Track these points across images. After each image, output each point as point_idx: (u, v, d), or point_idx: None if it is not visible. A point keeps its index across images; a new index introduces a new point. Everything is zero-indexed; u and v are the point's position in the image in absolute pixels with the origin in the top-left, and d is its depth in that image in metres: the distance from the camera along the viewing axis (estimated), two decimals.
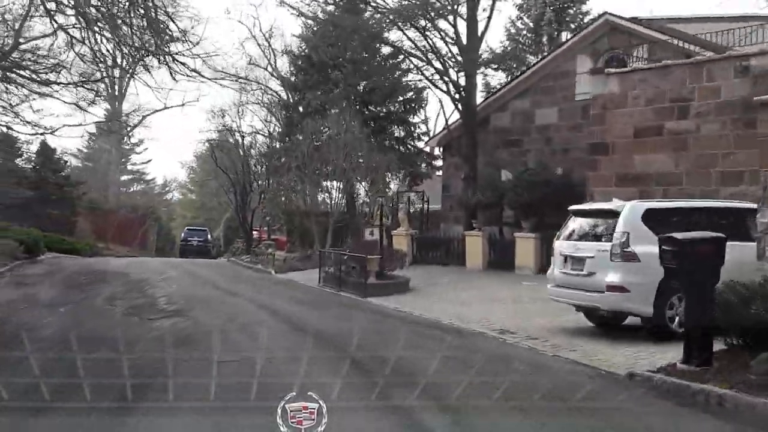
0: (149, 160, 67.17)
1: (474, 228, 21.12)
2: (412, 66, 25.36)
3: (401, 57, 26.64)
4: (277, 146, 30.55)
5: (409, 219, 23.60)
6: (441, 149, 24.50)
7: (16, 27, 23.37)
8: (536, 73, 21.40)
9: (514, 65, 25.97)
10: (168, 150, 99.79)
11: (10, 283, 17.16)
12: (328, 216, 25.87)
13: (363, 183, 26.76)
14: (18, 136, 39.05)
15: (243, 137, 32.76)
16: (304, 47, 29.03)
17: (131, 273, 21.07)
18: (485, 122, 22.74)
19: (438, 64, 21.44)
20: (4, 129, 38.41)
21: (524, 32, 32.62)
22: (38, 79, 24.20)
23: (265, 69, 38.86)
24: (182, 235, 42.13)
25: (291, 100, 29.39)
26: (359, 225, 25.41)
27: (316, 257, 23.52)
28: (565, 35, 29.43)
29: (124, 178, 67.23)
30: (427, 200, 26.14)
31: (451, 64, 21.39)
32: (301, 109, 28.55)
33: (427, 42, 21.38)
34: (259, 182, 31.97)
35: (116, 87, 56.70)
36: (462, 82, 21.67)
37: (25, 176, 37.81)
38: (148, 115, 59.50)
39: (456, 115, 23.38)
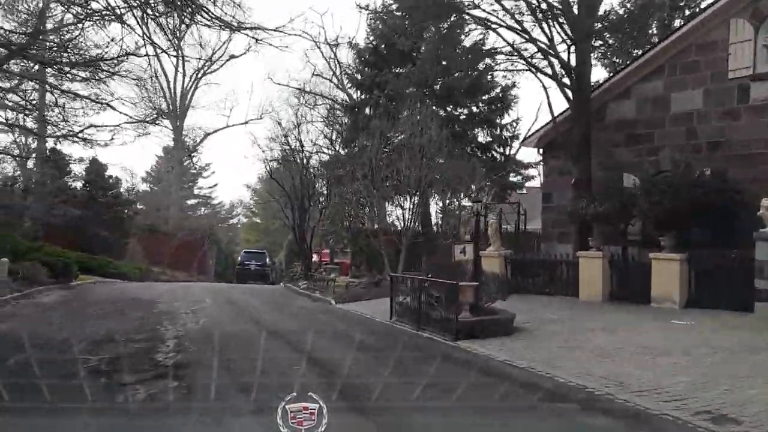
0: (215, 185, 65.01)
1: (591, 248, 16.29)
2: (501, 49, 20.75)
3: (487, 44, 22.14)
4: (341, 152, 26.51)
5: (501, 237, 18.91)
6: (541, 151, 19.75)
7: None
8: (672, 46, 16.51)
9: (635, 34, 20.81)
10: (235, 173, 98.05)
11: None
12: (400, 235, 21.48)
13: (440, 195, 22.30)
14: (68, 152, 36.99)
15: (302, 146, 28.87)
16: (371, 39, 25.01)
17: (162, 302, 17.21)
18: (600, 114, 17.96)
19: (543, 39, 16.78)
20: (53, 143, 36.38)
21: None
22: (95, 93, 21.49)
23: (330, 80, 35.38)
24: (239, 258, 38.56)
25: (356, 100, 25.30)
26: (438, 245, 20.92)
27: (385, 284, 19.28)
28: None
29: (190, 202, 65.12)
30: (524, 213, 21.38)
31: (560, 38, 16.73)
32: (368, 110, 24.44)
33: (530, 9, 16.77)
34: (320, 198, 27.98)
35: (177, 105, 54.57)
36: (572, 62, 16.96)
37: (73, 194, 35.09)
38: (211, 133, 57.51)
39: (559, 107, 18.72)
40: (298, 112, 30.84)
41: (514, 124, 24.56)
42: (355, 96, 25.89)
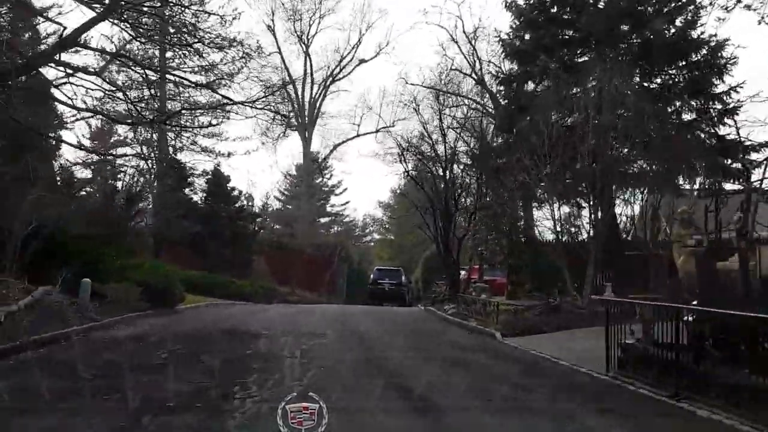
0: (347, 202, 61.37)
1: None
2: None
3: None
4: (496, 141, 21.10)
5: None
6: None
7: None
8: None
9: None
10: (366, 187, 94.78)
11: (45, 359, 9.27)
12: (585, 245, 15.72)
13: (638, 189, 16.32)
14: (189, 163, 34.33)
15: (444, 135, 23.72)
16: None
17: (268, 334, 12.64)
18: None
19: None
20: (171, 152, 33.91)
21: None
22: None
23: (469, 75, 30.26)
24: (371, 276, 33.93)
25: (513, 73, 19.80)
26: (639, 257, 14.98)
27: (567, 309, 13.77)
28: None
29: (323, 220, 62.09)
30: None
31: None
32: (529, 85, 18.94)
33: None
34: (468, 200, 22.64)
35: (305, 115, 51.58)
36: None
37: (194, 208, 32.07)
38: (340, 144, 53.99)
39: None
40: (438, 104, 25.74)
41: (733, 93, 18.06)
42: (511, 69, 20.31)
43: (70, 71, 16.09)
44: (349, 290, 46.60)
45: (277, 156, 49.59)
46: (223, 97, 19.25)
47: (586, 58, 18.34)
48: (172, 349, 10.29)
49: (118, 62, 19.37)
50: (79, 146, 24.47)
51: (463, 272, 28.64)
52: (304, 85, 50.53)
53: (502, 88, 20.59)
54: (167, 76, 21.62)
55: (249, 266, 33.12)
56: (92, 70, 16.86)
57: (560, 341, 12.08)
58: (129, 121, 20.36)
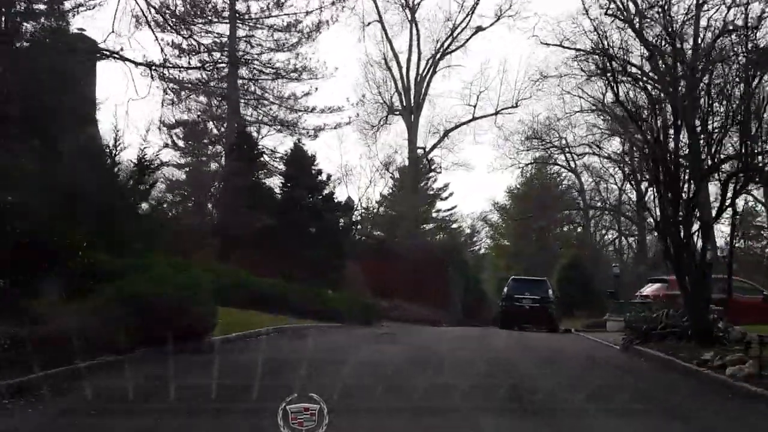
0: (454, 207, 52.67)
1: None
2: None
3: None
4: None
5: None
6: None
7: None
8: None
9: None
10: (478, 187, 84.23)
11: None
12: None
13: None
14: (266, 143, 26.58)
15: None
16: None
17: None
18: None
19: None
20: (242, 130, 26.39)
21: None
22: None
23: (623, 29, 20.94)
24: (504, 290, 24.66)
25: None
26: None
27: None
28: None
29: (429, 226, 53.47)
30: None
31: None
32: None
33: None
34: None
35: (411, 96, 43.25)
36: None
37: (269, 196, 24.37)
38: (452, 129, 45.21)
39: None
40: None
41: None
42: None
43: None
44: (465, 304, 37.84)
45: (377, 148, 39.74)
46: None
47: None
48: None
49: None
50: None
51: (654, 286, 19.34)
52: (410, 61, 42.37)
53: None
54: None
55: (340, 272, 25.01)
56: None
57: None
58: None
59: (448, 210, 54.24)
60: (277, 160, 25.09)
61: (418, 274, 33.39)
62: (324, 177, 25.52)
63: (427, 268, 33.97)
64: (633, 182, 38.77)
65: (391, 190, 47.20)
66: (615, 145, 44.06)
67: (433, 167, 45.94)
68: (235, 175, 22.33)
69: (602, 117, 44.22)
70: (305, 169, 24.78)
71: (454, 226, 56.21)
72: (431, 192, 51.69)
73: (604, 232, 46.39)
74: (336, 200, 26.36)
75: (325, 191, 25.43)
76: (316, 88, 27.41)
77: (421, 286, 33.43)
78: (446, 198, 53.07)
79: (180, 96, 23.42)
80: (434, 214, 53.83)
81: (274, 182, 24.97)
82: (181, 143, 26.93)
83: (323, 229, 24.61)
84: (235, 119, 24.71)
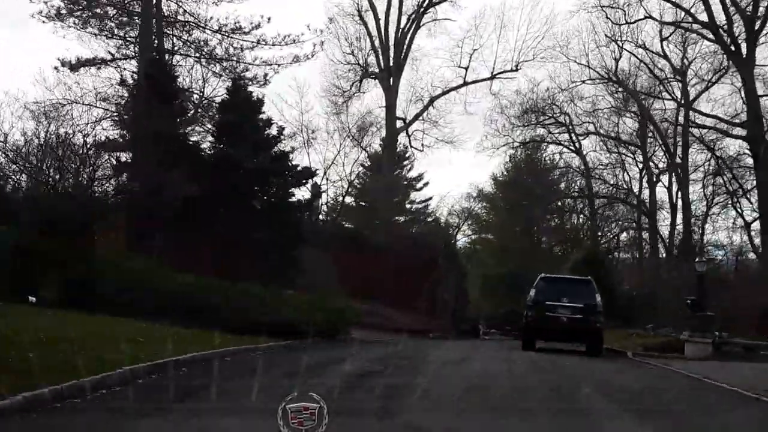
0: (430, 198, 45.64)
1: None
2: None
3: None
4: None
5: None
6: None
7: None
8: None
9: None
10: (459, 176, 75.39)
11: None
12: None
13: None
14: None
15: None
16: None
17: None
18: None
19: None
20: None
21: None
22: None
23: None
24: (531, 294, 16.57)
25: None
26: None
27: None
28: None
29: (402, 219, 46.10)
30: None
31: None
32: None
33: None
34: None
35: (389, 57, 35.82)
36: None
37: (195, 154, 16.78)
38: (439, 96, 37.73)
39: None
40: None
41: None
42: None
43: None
44: (456, 309, 30.67)
45: (349, 120, 31.54)
46: None
47: None
48: None
49: None
50: None
51: None
52: (389, 14, 34.92)
53: None
54: None
55: (298, 265, 17.49)
56: None
57: None
58: None
59: (423, 201, 47.23)
60: (211, 109, 17.54)
61: (401, 270, 26.19)
62: (275, 131, 17.93)
63: (412, 264, 26.76)
64: None
65: (363, 176, 39.52)
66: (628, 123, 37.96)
67: (413, 144, 38.61)
68: (145, 119, 14.71)
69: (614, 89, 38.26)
70: (248, 120, 17.17)
71: (430, 219, 48.96)
72: (405, 182, 44.78)
73: (613, 225, 39.59)
74: (293, 164, 18.81)
75: (276, 148, 17.87)
76: (269, 19, 19.81)
77: (406, 286, 26.26)
78: (421, 188, 46.38)
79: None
80: (408, 206, 46.76)
81: (206, 140, 17.40)
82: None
83: (275, 203, 17.09)
84: (149, 49, 17.19)
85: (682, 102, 33.75)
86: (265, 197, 17.25)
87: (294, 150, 19.16)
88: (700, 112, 33.25)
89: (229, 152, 16.53)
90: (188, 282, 13.13)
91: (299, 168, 18.49)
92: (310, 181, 19.46)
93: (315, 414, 3.13)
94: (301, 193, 19.03)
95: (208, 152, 17.00)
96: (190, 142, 17.24)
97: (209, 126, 17.83)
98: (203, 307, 12.78)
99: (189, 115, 17.60)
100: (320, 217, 29.54)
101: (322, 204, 30.68)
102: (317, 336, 15.25)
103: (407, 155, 42.75)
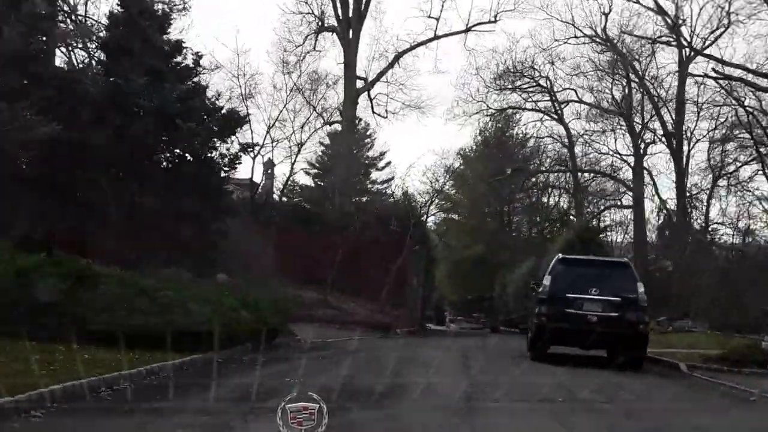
0: (391, 178, 41.30)
1: None
2: None
3: None
4: None
5: None
6: None
7: None
8: None
9: None
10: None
11: None
12: None
13: None
14: None
15: None
16: None
17: None
18: None
19: None
20: None
21: None
22: None
23: None
24: (545, 283, 11.92)
25: None
26: None
27: None
28: None
29: (362, 199, 41.61)
30: None
31: None
32: None
33: None
34: None
35: (349, 3, 30.83)
36: None
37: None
38: (405, 51, 32.80)
39: None
40: None
41: None
42: None
43: None
44: (424, 298, 26.33)
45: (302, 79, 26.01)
46: None
47: None
48: None
49: None
50: None
51: None
52: None
53: None
54: None
55: (214, 247, 12.70)
56: None
57: None
58: None
59: (385, 182, 43.01)
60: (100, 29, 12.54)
61: (361, 252, 21.66)
62: (190, 61, 12.92)
63: (374, 244, 22.17)
64: None
65: (323, 154, 34.73)
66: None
67: (376, 111, 33.78)
68: None
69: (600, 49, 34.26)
70: (149, 41, 12.14)
71: (390, 201, 44.49)
72: (366, 161, 40.30)
73: (602, 201, 35.65)
74: (215, 106, 13.81)
75: (188, 81, 12.91)
76: None
77: (367, 270, 21.78)
78: (383, 168, 41.98)
79: None
80: (369, 186, 42.46)
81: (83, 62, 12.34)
82: None
83: (186, 158, 12.18)
84: None
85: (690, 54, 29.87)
86: (172, 148, 12.38)
87: (220, 95, 14.18)
88: (721, 60, 29.00)
89: (118, 84, 11.56)
90: (26, 266, 8.34)
91: (223, 111, 13.47)
92: (239, 130, 14.61)
93: (314, 414, 3.10)
94: (228, 147, 14.10)
95: (89, 85, 12.06)
96: (60, 68, 12.21)
97: (94, 48, 12.84)
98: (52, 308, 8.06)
99: (59, 30, 12.55)
100: (274, 196, 24.61)
101: (268, 177, 25.74)
102: (248, 342, 10.88)
103: (368, 132, 38.54)
